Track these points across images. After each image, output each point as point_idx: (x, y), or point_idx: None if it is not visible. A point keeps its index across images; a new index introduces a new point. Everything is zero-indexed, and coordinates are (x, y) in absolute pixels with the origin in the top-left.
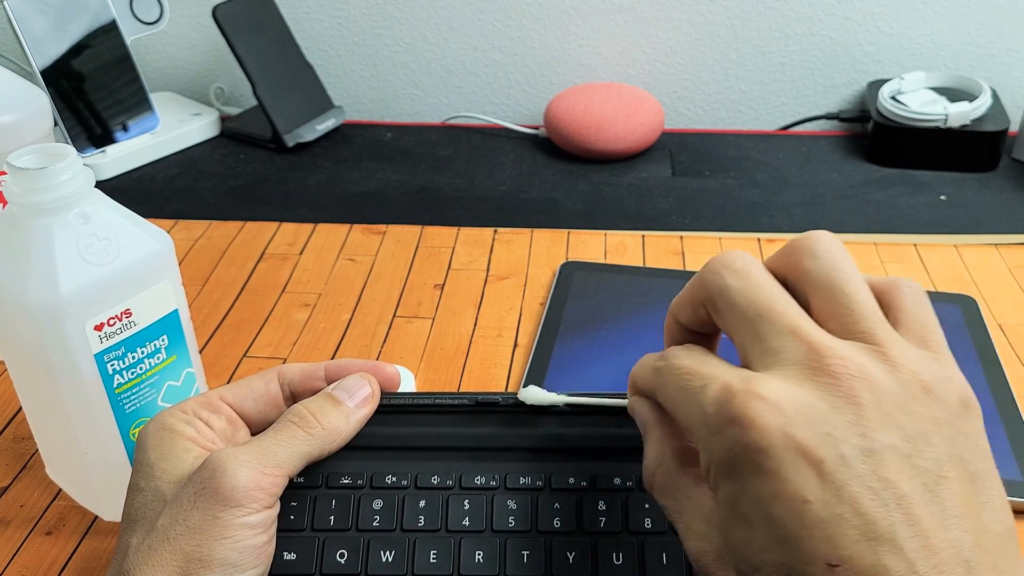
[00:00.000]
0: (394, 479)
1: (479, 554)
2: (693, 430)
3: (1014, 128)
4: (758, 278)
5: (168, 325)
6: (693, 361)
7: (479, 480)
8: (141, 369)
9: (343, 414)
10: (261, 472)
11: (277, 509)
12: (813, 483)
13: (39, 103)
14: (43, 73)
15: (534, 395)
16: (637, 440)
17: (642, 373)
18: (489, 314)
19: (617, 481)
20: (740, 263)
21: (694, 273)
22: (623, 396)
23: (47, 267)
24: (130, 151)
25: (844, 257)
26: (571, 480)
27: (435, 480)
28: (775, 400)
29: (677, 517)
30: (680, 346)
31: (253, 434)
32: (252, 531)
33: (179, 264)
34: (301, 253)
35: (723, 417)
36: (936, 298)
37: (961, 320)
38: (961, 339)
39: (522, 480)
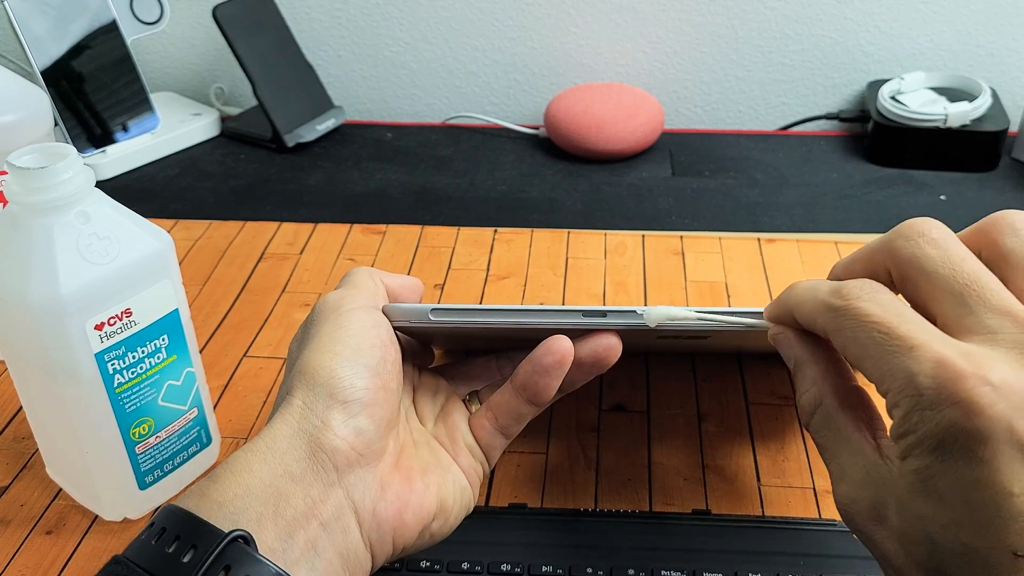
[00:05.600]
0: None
1: None
2: (890, 392)
3: (1014, 128)
4: (959, 250)
5: (168, 324)
6: (887, 312)
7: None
8: (141, 368)
9: None
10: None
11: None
12: (1022, 478)
13: (39, 103)
14: (43, 73)
15: (662, 313)
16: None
17: (808, 308)
18: None
19: None
20: (937, 232)
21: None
22: (747, 313)
23: (48, 266)
24: (130, 151)
25: None
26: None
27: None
28: (1005, 389)
29: (831, 458)
30: (859, 283)
31: None
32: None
33: (179, 264)
34: (301, 253)
35: (943, 395)
36: None
37: None
38: None
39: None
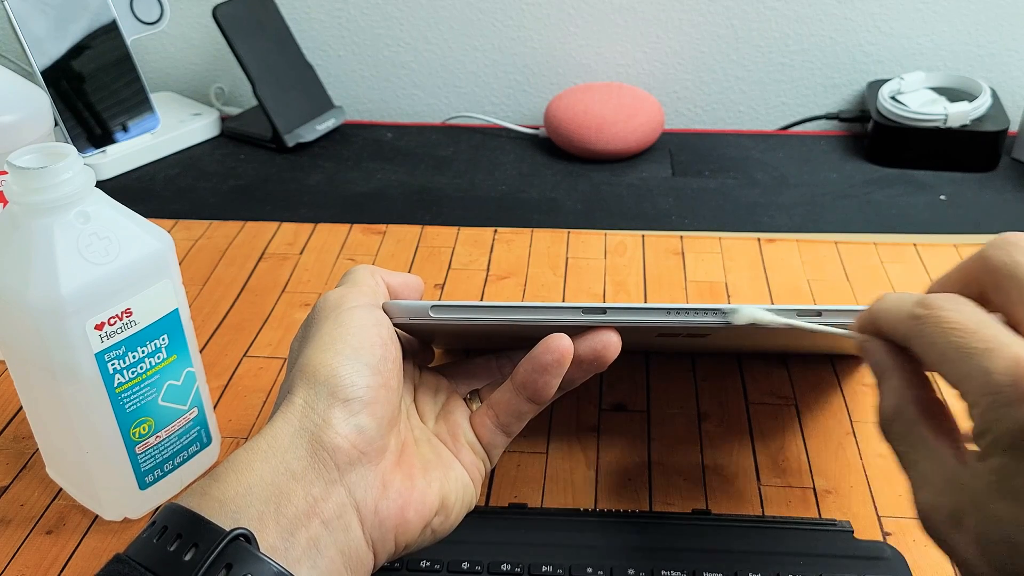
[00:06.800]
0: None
1: None
2: (968, 392)
3: (1014, 128)
4: None
5: (168, 324)
6: (967, 319)
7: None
8: (141, 368)
9: None
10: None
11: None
12: None
13: (39, 103)
14: (43, 73)
15: (750, 314)
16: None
17: (893, 317)
18: None
19: None
20: None
21: None
22: (839, 312)
23: (48, 266)
24: (130, 151)
25: None
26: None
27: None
28: None
29: (911, 465)
30: (943, 295)
31: None
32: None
33: (179, 264)
34: (301, 253)
35: (1020, 392)
36: None
37: None
38: None
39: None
